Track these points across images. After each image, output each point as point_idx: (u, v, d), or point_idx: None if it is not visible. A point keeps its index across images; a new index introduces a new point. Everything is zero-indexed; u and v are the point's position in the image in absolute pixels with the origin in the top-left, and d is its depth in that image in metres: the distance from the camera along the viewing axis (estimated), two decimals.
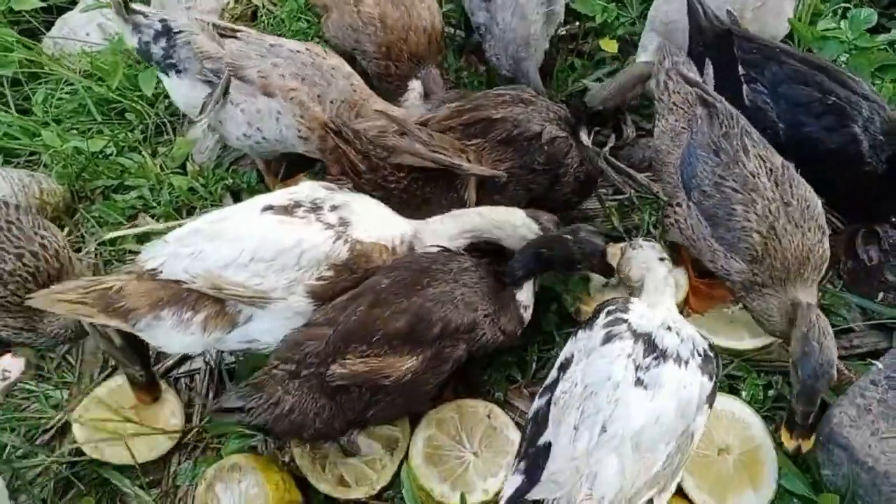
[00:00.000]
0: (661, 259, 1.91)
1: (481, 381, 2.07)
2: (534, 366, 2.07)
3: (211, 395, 2.13)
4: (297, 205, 1.90)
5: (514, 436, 1.92)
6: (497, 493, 1.84)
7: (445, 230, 1.96)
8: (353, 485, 1.91)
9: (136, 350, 1.97)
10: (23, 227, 2.00)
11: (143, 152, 2.65)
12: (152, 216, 2.52)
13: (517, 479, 1.53)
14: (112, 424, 2.01)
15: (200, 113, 2.23)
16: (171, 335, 1.85)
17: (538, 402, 1.66)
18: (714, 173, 1.84)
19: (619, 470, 1.46)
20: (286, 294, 1.83)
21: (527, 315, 1.94)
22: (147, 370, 2.01)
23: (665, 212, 2.00)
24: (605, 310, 1.73)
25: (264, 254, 1.82)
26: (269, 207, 1.89)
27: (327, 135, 2.09)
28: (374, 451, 1.95)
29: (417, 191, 2.07)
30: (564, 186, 2.16)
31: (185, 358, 2.21)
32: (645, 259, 1.91)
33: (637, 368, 1.58)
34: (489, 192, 2.09)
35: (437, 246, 1.94)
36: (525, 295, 1.93)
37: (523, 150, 2.08)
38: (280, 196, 1.94)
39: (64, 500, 1.96)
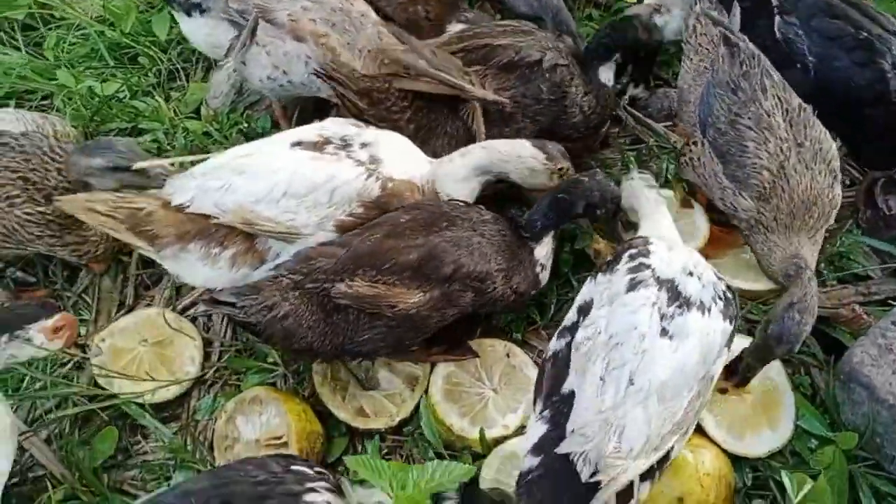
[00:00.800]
0: (650, 186, 1.93)
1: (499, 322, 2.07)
2: (552, 308, 2.07)
3: (229, 334, 2.13)
4: (327, 141, 1.89)
5: (533, 374, 1.92)
6: (517, 429, 1.85)
7: (455, 169, 1.93)
8: (372, 416, 1.91)
9: None
10: (65, 149, 2.04)
11: (157, 97, 2.63)
12: (166, 158, 2.50)
13: (541, 427, 1.53)
14: (130, 363, 2.02)
15: (226, 55, 2.19)
16: (197, 269, 1.85)
17: (556, 344, 1.65)
18: (730, 111, 1.86)
19: (646, 421, 1.47)
20: (316, 230, 1.82)
21: (543, 276, 1.93)
22: None
23: (682, 151, 2.00)
24: (627, 254, 1.71)
25: (297, 189, 1.81)
26: (299, 143, 1.88)
27: (318, 75, 2.05)
28: (394, 387, 1.96)
29: (423, 119, 2.05)
30: (570, 117, 2.13)
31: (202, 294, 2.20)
32: (634, 188, 1.93)
33: (662, 318, 1.57)
34: (495, 124, 2.06)
35: (458, 201, 1.93)
36: (543, 252, 1.91)
37: (525, 78, 2.06)
38: (309, 131, 1.92)
39: (84, 431, 1.95)
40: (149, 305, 2.20)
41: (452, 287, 1.80)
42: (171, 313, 2.11)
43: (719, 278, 1.69)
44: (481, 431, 1.82)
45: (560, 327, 1.70)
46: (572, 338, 1.62)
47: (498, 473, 1.78)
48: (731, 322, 1.63)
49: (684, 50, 2.03)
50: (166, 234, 1.82)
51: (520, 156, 1.94)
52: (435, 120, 2.06)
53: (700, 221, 2.12)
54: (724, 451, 1.80)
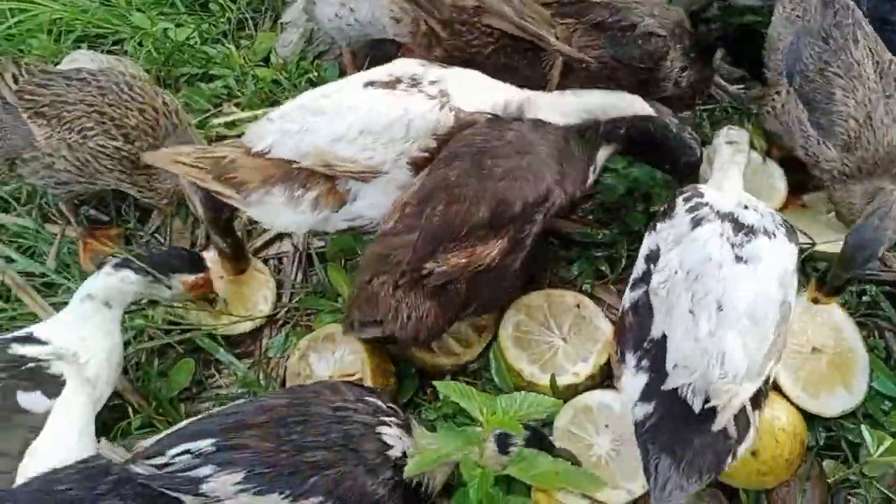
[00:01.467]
0: (729, 142, 1.91)
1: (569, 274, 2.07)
2: (623, 262, 2.07)
3: (299, 276, 2.15)
4: (398, 80, 1.89)
5: (604, 325, 1.93)
6: (588, 377, 1.85)
7: (564, 102, 1.90)
8: (439, 354, 1.93)
9: (221, 222, 1.99)
10: (144, 88, 2.07)
11: (227, 44, 2.65)
12: (237, 105, 2.52)
13: (642, 377, 1.54)
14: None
15: None
16: (281, 212, 1.87)
17: (632, 295, 1.66)
18: (820, 59, 1.84)
19: (742, 344, 1.47)
20: (393, 167, 1.83)
21: (591, 177, 1.90)
22: (232, 239, 2.02)
23: (764, 100, 1.99)
24: (681, 198, 1.73)
25: (373, 126, 1.81)
26: (371, 83, 1.89)
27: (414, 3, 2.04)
28: (460, 331, 1.96)
29: (503, 58, 2.03)
30: (661, 91, 2.09)
31: (274, 240, 2.23)
32: (716, 143, 1.93)
33: (732, 246, 1.58)
34: (577, 80, 2.03)
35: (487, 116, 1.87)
36: (603, 154, 1.90)
37: (616, 40, 2.02)
38: (378, 72, 1.93)
39: (160, 363, 1.99)
40: None
41: (523, 219, 1.78)
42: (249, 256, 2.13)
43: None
44: (552, 378, 1.83)
45: (631, 281, 1.71)
46: (647, 285, 1.63)
47: (570, 424, 1.78)
48: (796, 246, 1.65)
49: None
50: (251, 179, 1.84)
51: (632, 105, 1.90)
52: (516, 61, 2.03)
53: (778, 182, 2.09)
54: (799, 409, 1.79)
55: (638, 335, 1.59)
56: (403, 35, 2.20)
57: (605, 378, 1.88)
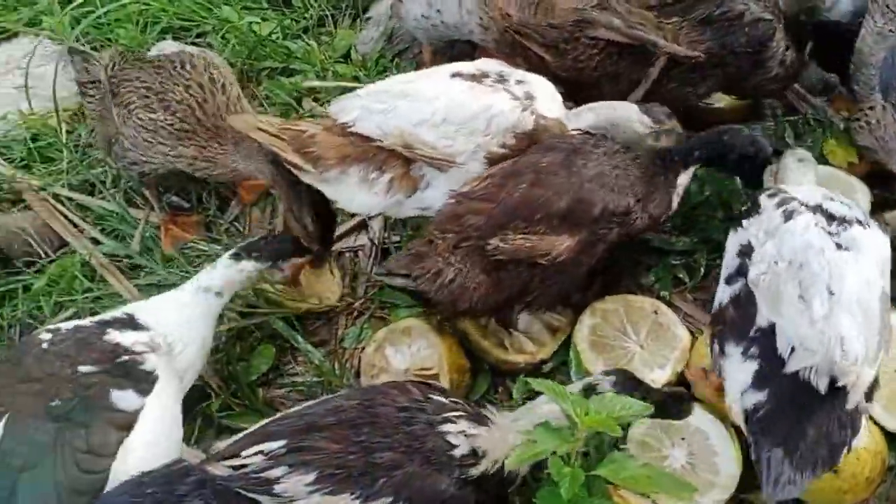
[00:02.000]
0: (799, 160, 1.92)
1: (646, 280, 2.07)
2: (702, 271, 2.05)
3: (374, 270, 2.18)
4: (485, 75, 1.93)
5: (682, 332, 1.92)
6: (665, 385, 1.84)
7: (581, 123, 1.95)
8: (511, 351, 1.93)
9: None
10: (195, 65, 2.12)
11: (308, 40, 2.70)
12: (316, 100, 2.56)
13: (751, 364, 1.53)
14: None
15: None
16: (355, 192, 1.91)
17: (730, 289, 1.66)
18: None
19: (857, 327, 1.47)
20: (469, 159, 1.86)
21: (675, 202, 1.92)
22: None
23: (856, 115, 1.97)
24: (764, 195, 1.74)
25: (456, 116, 1.85)
26: (458, 74, 1.92)
27: (507, 30, 2.07)
28: (534, 329, 1.97)
29: (611, 66, 2.05)
30: (767, 72, 2.09)
31: (350, 232, 2.26)
32: (785, 159, 1.94)
33: (830, 235, 1.59)
34: (683, 72, 2.04)
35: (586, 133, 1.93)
36: (685, 178, 1.92)
37: (723, 31, 2.02)
38: (466, 66, 1.97)
39: (237, 348, 2.03)
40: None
41: (598, 226, 1.81)
42: None
43: None
44: None
45: (724, 277, 1.71)
46: (745, 278, 1.63)
47: (646, 434, 1.76)
48: (888, 236, 1.65)
49: (869, 10, 1.97)
50: (329, 156, 1.89)
51: (629, 119, 1.95)
52: (623, 67, 2.05)
53: (862, 199, 2.06)
54: (881, 428, 1.76)
55: (741, 326, 1.58)
56: (487, 41, 2.21)
57: (681, 384, 1.86)
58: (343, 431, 1.50)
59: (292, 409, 1.62)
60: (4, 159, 2.46)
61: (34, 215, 2.32)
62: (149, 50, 2.57)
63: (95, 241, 2.29)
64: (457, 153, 1.86)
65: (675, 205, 1.93)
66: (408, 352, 1.91)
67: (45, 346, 1.65)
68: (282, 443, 1.47)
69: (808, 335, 1.47)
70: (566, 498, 1.27)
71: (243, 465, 1.45)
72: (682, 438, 1.73)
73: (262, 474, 1.44)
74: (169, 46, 2.57)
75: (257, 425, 1.57)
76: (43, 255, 2.26)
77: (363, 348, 1.99)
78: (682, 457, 1.74)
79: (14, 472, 1.47)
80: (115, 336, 1.69)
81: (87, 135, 2.48)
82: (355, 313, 2.11)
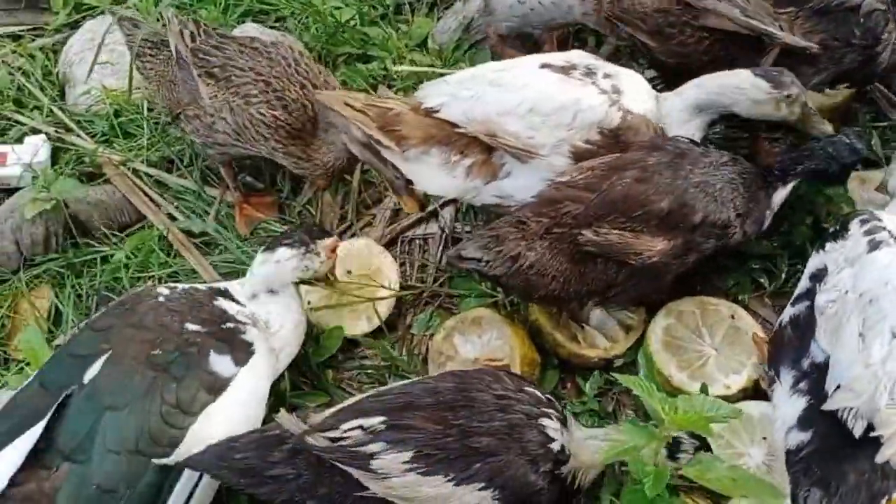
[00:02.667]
0: None
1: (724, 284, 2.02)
2: (782, 276, 2.00)
3: (444, 259, 2.18)
4: (573, 67, 1.91)
5: None
6: (740, 390, 1.80)
7: (674, 109, 1.91)
8: (584, 345, 1.91)
9: None
10: (310, 66, 2.12)
11: (385, 27, 2.70)
12: (389, 86, 2.57)
13: (801, 399, 1.50)
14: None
15: None
16: (435, 174, 1.91)
17: (793, 310, 1.62)
18: None
19: None
20: (551, 152, 1.84)
21: (768, 221, 1.87)
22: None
23: None
24: (856, 220, 1.67)
25: (542, 107, 1.84)
26: (547, 65, 1.90)
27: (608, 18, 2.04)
28: (607, 325, 1.94)
29: (720, 51, 2.00)
30: (878, 64, 2.03)
31: (421, 221, 2.26)
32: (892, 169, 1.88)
33: None
34: (795, 63, 1.97)
35: (692, 142, 1.89)
36: (781, 196, 1.87)
37: (838, 21, 1.97)
38: (554, 57, 1.96)
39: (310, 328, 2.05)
40: (369, 224, 2.28)
41: (696, 234, 1.77)
42: (377, 245, 2.15)
43: None
44: (703, 387, 1.78)
45: (793, 297, 1.67)
46: (811, 302, 1.58)
47: (724, 429, 1.71)
48: None
49: None
50: (412, 136, 1.90)
51: (738, 87, 1.88)
52: (732, 53, 1.99)
53: None
54: None
55: (796, 352, 1.54)
56: (588, 15, 2.16)
57: (757, 394, 1.82)
58: (441, 413, 1.51)
59: (387, 387, 1.64)
60: (87, 133, 2.52)
61: (114, 189, 2.37)
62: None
63: (171, 217, 2.33)
64: (539, 145, 1.85)
65: (766, 223, 1.88)
66: (478, 342, 1.91)
67: (161, 298, 1.70)
68: (381, 419, 1.48)
69: (859, 376, 1.41)
70: (650, 496, 1.25)
71: (342, 438, 1.45)
72: (764, 438, 1.68)
73: (359, 448, 1.44)
74: (252, 30, 2.62)
75: (353, 399, 1.58)
76: (121, 229, 2.31)
77: (431, 335, 1.99)
78: (760, 456, 1.69)
79: (101, 408, 1.51)
80: (223, 303, 1.74)
81: (168, 113, 2.52)
82: (423, 301, 2.11)
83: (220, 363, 1.62)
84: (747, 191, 1.83)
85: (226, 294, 1.77)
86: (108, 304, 1.91)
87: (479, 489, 1.46)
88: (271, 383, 1.75)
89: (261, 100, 2.08)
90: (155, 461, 1.48)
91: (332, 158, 2.11)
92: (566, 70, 1.89)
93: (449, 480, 1.44)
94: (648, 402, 1.33)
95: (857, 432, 1.38)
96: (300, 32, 2.69)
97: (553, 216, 1.77)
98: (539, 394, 1.62)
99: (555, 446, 1.52)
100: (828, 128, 1.96)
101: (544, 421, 1.55)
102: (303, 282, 1.90)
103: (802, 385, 1.50)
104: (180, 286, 1.76)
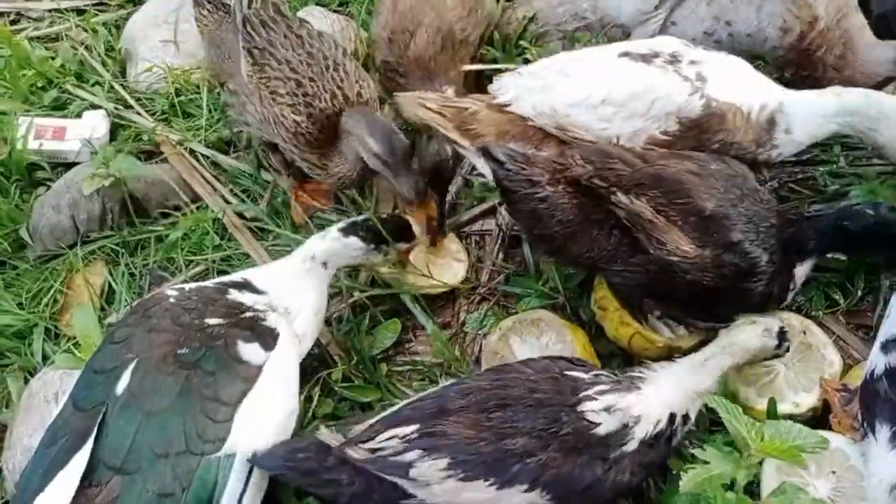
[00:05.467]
0: None
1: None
2: (858, 293, 1.91)
3: (500, 256, 2.12)
4: (656, 55, 1.83)
5: (833, 356, 1.79)
6: (810, 410, 1.72)
7: (823, 104, 1.79)
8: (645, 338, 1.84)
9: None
10: (348, 72, 2.04)
11: None
12: None
13: None
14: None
15: (657, 6, 2.10)
16: None
17: (889, 358, 1.51)
18: None
19: None
20: (628, 143, 1.78)
21: (789, 296, 1.78)
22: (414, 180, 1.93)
23: None
24: None
25: (616, 97, 1.77)
26: (627, 54, 1.84)
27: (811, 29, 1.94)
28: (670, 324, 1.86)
29: None
30: None
31: (479, 217, 2.21)
32: None
33: None
34: None
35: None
36: (803, 271, 1.77)
37: None
38: (639, 45, 1.88)
39: (360, 321, 2.00)
40: None
41: (726, 255, 1.67)
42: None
43: None
44: (771, 402, 1.70)
45: (884, 338, 1.56)
46: None
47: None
48: None
49: None
50: (488, 133, 1.85)
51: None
52: None
53: None
54: None
55: (894, 407, 1.44)
56: (780, 48, 2.02)
57: (825, 414, 1.73)
58: (473, 416, 1.47)
59: (426, 392, 1.59)
60: (147, 112, 2.51)
61: (171, 168, 2.36)
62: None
63: (226, 201, 2.31)
64: (613, 136, 1.78)
65: (789, 298, 1.78)
66: (536, 343, 1.85)
67: (171, 300, 1.67)
68: (414, 427, 1.45)
69: None
70: None
71: (379, 448, 1.43)
72: (833, 472, 1.59)
73: (396, 458, 1.42)
74: (317, 11, 2.58)
75: (392, 409, 1.56)
76: (176, 209, 2.30)
77: (485, 335, 1.94)
78: (825, 490, 1.60)
79: (140, 415, 1.48)
80: (236, 295, 1.71)
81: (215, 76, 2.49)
82: (478, 298, 2.06)
83: (250, 351, 1.59)
84: (781, 251, 1.73)
85: (240, 285, 1.74)
86: (155, 287, 1.91)
87: (524, 491, 1.42)
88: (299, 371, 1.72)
89: (286, 101, 2.01)
90: (208, 457, 1.45)
91: (344, 170, 2.04)
92: (647, 58, 1.82)
93: (490, 485, 1.41)
94: (733, 426, 1.26)
95: None
96: (363, 18, 2.64)
97: (599, 167, 1.68)
98: (584, 375, 1.55)
99: (603, 430, 1.47)
100: None
101: (585, 405, 1.49)
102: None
103: None
104: (187, 286, 1.74)
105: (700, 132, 1.77)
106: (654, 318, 1.86)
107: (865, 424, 1.48)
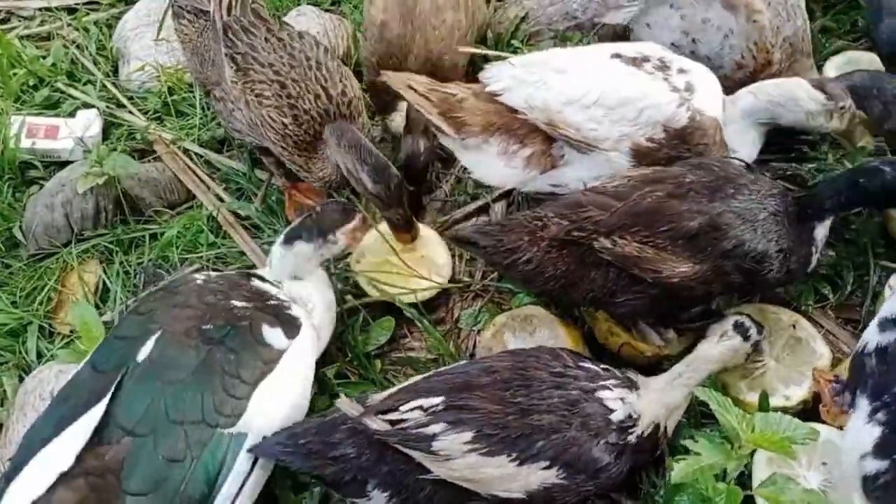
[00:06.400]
0: None
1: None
2: (848, 288, 1.93)
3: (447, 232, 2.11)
4: (646, 59, 1.86)
5: (822, 349, 1.81)
6: (800, 403, 1.74)
7: (730, 117, 1.86)
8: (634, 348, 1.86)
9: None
10: (330, 71, 2.05)
11: None
12: None
13: (875, 429, 1.43)
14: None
15: None
16: (494, 163, 1.89)
17: (882, 337, 1.53)
18: None
19: None
20: (613, 146, 1.80)
21: (814, 259, 1.77)
22: (403, 211, 1.97)
23: None
24: None
25: (607, 100, 1.80)
26: (618, 55, 1.86)
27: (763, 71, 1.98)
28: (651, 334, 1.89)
29: None
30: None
31: (473, 214, 2.22)
32: None
33: None
34: None
35: (743, 163, 1.82)
36: (822, 232, 1.77)
37: None
38: (627, 48, 1.90)
39: (357, 320, 2.02)
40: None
41: (726, 263, 1.68)
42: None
43: None
44: (763, 395, 1.72)
45: (882, 317, 1.57)
46: None
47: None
48: None
49: None
50: (473, 122, 1.87)
51: (795, 97, 1.82)
52: None
53: None
54: None
55: (879, 384, 1.47)
56: (735, 81, 2.02)
57: (815, 407, 1.76)
58: (499, 392, 1.49)
59: (445, 368, 1.62)
60: (140, 111, 2.52)
61: (164, 167, 2.36)
62: (285, 14, 2.60)
63: (220, 199, 2.31)
64: (601, 138, 1.81)
65: (813, 263, 1.78)
66: (529, 339, 1.87)
67: (199, 282, 1.71)
68: (440, 399, 1.46)
69: None
70: None
71: (402, 420, 1.43)
72: (824, 463, 1.62)
73: (420, 430, 1.42)
74: (310, 11, 2.59)
75: (411, 380, 1.56)
76: (170, 207, 2.30)
77: (479, 331, 1.96)
78: (816, 481, 1.63)
79: (160, 383, 1.50)
80: (260, 284, 1.74)
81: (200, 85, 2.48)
82: (472, 295, 2.08)
83: (273, 336, 1.62)
84: (793, 227, 1.73)
85: (260, 277, 1.78)
86: (150, 286, 1.91)
87: (544, 468, 1.44)
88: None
89: (272, 103, 2.02)
90: (221, 431, 1.47)
91: (327, 174, 2.07)
92: (638, 62, 1.84)
93: (512, 461, 1.42)
94: (724, 417, 1.28)
95: None
96: (355, 17, 2.65)
97: (574, 220, 1.69)
98: (596, 367, 1.60)
99: (616, 416, 1.51)
100: (870, 139, 1.89)
101: (602, 393, 1.53)
102: None
103: (880, 416, 1.44)
104: (213, 273, 1.76)
105: (682, 143, 1.80)
106: (643, 324, 1.87)
107: (851, 399, 1.51)
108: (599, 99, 1.80)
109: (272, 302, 1.69)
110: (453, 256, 2.10)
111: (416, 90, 1.87)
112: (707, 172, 1.74)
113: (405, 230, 2.00)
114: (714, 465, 1.24)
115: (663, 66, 1.84)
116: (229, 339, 1.56)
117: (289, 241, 1.80)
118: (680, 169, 1.75)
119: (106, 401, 1.46)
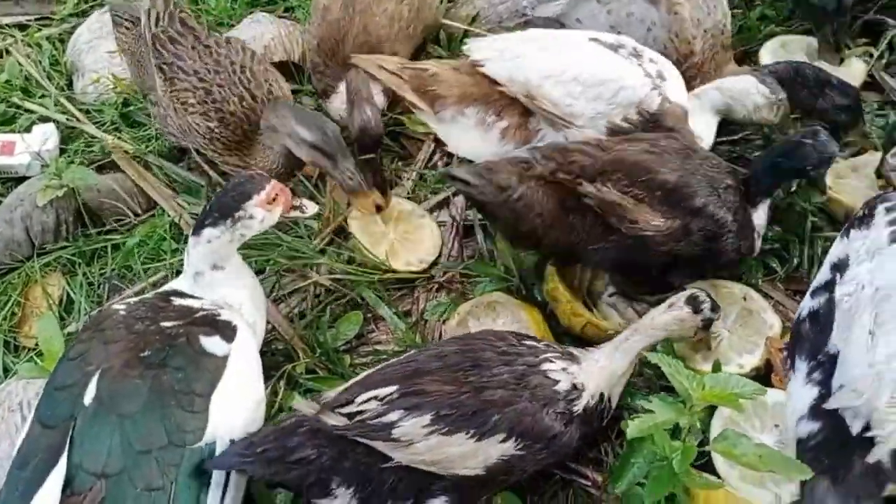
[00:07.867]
0: None
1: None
2: (795, 261, 2.02)
3: (457, 245, 2.18)
4: (621, 45, 1.95)
5: (772, 319, 1.89)
6: (753, 370, 1.82)
7: (696, 109, 1.98)
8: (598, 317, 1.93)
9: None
10: (255, 73, 2.12)
11: None
12: None
13: (812, 390, 1.50)
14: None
15: None
16: (469, 135, 1.96)
17: (812, 302, 1.61)
18: None
19: None
20: (589, 123, 1.87)
21: (758, 245, 1.88)
22: (352, 168, 1.97)
23: None
24: (883, 206, 1.66)
25: (586, 77, 1.88)
26: (596, 39, 1.95)
27: (685, 61, 2.08)
28: (619, 307, 1.96)
29: None
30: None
31: (434, 208, 2.26)
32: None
33: None
34: None
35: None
36: (761, 219, 1.88)
37: None
38: (604, 35, 2.00)
39: (321, 314, 2.04)
40: None
41: (694, 223, 1.78)
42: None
43: None
44: (716, 364, 1.79)
45: (813, 286, 1.66)
46: (831, 294, 1.57)
47: (736, 413, 1.72)
48: None
49: None
50: (449, 94, 1.93)
51: (748, 91, 1.95)
52: None
53: None
54: None
55: (814, 345, 1.54)
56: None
57: (768, 374, 1.83)
58: (451, 374, 1.53)
59: (392, 360, 1.65)
60: (95, 123, 2.52)
61: (124, 177, 2.37)
62: (239, 22, 2.63)
63: (181, 205, 2.32)
64: (576, 115, 1.89)
65: (757, 249, 1.88)
66: (494, 325, 1.91)
67: (122, 313, 1.66)
68: (394, 388, 1.49)
69: (860, 375, 1.40)
70: (679, 471, 1.26)
71: (359, 412, 1.46)
72: (776, 426, 1.69)
73: (378, 419, 1.45)
74: (264, 18, 2.62)
75: (361, 375, 1.59)
76: (132, 216, 2.31)
77: (445, 321, 2.00)
78: (770, 442, 1.69)
79: (115, 419, 1.46)
80: (181, 301, 1.71)
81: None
82: (437, 286, 2.12)
83: (213, 344, 1.61)
84: (741, 208, 1.84)
85: (178, 294, 1.74)
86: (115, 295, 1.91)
87: (501, 441, 1.48)
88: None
89: (198, 110, 2.10)
90: (190, 447, 1.46)
91: (269, 163, 2.11)
92: (614, 48, 1.93)
93: (470, 437, 1.46)
94: (675, 378, 1.34)
95: (855, 430, 1.39)
96: (306, 22, 2.68)
97: (560, 162, 1.78)
98: (538, 344, 1.66)
99: (561, 387, 1.56)
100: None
101: (545, 366, 1.59)
102: None
103: (816, 375, 1.51)
104: (132, 299, 1.74)
105: (655, 126, 1.89)
106: (603, 302, 1.94)
107: (790, 363, 1.57)
108: (578, 76, 1.87)
109: (201, 314, 1.67)
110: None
111: (386, 69, 1.92)
112: (675, 142, 1.86)
113: (363, 194, 1.98)
114: (667, 421, 1.30)
115: (637, 55, 1.93)
116: (171, 360, 1.55)
117: (197, 230, 1.72)
118: (654, 134, 1.87)
119: (65, 456, 1.42)
